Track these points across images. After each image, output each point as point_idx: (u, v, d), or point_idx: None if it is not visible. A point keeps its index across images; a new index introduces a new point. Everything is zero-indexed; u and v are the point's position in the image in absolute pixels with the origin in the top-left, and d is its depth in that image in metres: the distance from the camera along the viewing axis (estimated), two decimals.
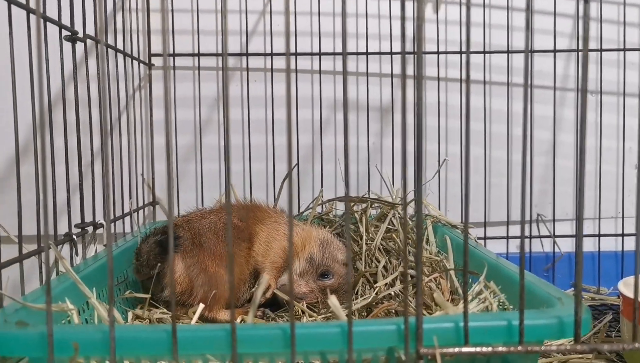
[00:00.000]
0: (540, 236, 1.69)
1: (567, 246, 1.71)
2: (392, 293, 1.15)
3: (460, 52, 1.66)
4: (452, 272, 1.14)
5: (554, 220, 1.68)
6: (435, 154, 1.69)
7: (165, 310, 1.11)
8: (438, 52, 1.65)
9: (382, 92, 1.69)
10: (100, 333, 0.64)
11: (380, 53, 1.66)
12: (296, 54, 1.62)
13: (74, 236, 1.05)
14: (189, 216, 1.26)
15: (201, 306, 0.90)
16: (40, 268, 0.93)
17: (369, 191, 1.56)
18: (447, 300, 1.08)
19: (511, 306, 0.89)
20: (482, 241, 1.64)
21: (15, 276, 0.92)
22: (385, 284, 1.25)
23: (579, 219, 0.71)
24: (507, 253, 1.66)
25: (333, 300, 0.76)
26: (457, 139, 1.70)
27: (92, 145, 1.23)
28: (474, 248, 1.16)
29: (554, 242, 1.65)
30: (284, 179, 1.53)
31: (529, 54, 0.78)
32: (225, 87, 0.64)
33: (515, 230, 1.68)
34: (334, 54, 1.65)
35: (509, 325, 0.67)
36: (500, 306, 0.93)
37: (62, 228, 1.08)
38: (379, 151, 1.70)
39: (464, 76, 0.74)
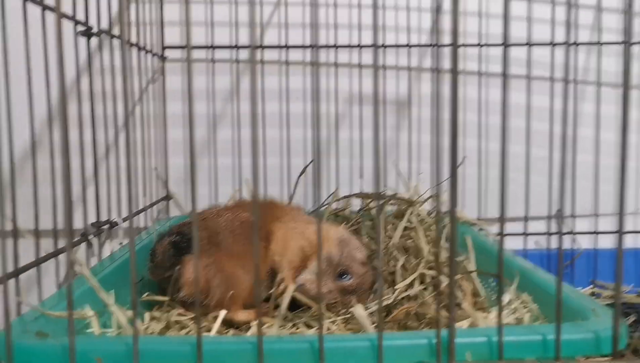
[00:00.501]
0: (559, 233, 1.66)
1: (585, 242, 1.69)
2: (412, 295, 1.13)
3: (479, 45, 1.62)
4: (473, 274, 1.12)
5: (573, 216, 1.64)
6: (448, 147, 1.66)
7: (182, 312, 1.09)
8: (455, 45, 1.61)
9: (399, 85, 1.65)
10: (123, 345, 0.62)
11: (397, 46, 1.63)
12: (312, 46, 1.59)
13: (91, 236, 1.03)
14: (204, 214, 1.24)
15: (221, 315, 0.88)
16: (57, 268, 0.91)
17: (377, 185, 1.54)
18: (469, 303, 1.05)
19: (542, 317, 0.87)
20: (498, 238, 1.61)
21: (29, 273, 0.90)
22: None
23: (621, 215, 0.68)
24: (525, 250, 1.64)
25: (359, 311, 0.74)
26: (473, 134, 1.67)
27: (107, 139, 1.21)
28: (493, 250, 1.13)
29: (574, 239, 1.62)
30: (300, 175, 1.50)
31: (569, 47, 0.75)
32: (253, 82, 0.61)
33: (533, 226, 1.66)
34: (350, 46, 1.62)
35: (544, 340, 0.64)
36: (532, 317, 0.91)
37: (75, 223, 1.05)
38: (394, 146, 1.67)
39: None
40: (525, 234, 1.62)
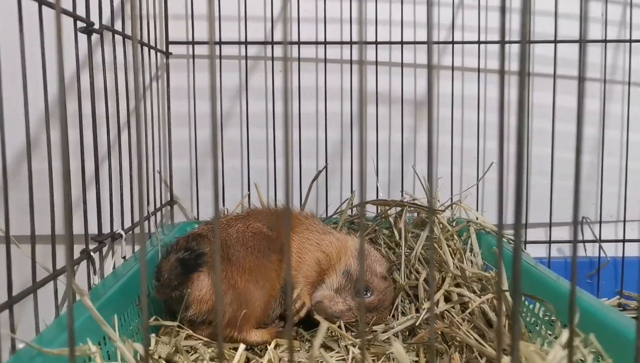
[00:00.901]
0: (584, 241, 1.58)
1: (611, 250, 1.61)
2: (443, 315, 1.05)
3: (502, 42, 1.53)
4: (507, 293, 1.03)
5: (600, 222, 1.56)
6: (470, 150, 1.57)
7: (191, 332, 1.01)
8: (479, 42, 1.52)
9: (417, 84, 1.56)
10: None
11: (415, 43, 1.54)
12: (325, 43, 1.50)
13: (92, 253, 0.94)
14: (214, 224, 1.15)
15: (240, 350, 0.79)
16: (55, 286, 0.83)
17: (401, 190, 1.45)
18: (504, 326, 0.97)
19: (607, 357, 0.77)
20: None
21: (26, 278, 0.81)
22: (426, 299, 1.15)
23: None
24: (549, 258, 1.55)
25: (397, 347, 0.65)
26: (494, 134, 1.58)
27: (109, 140, 1.12)
28: (538, 271, 1.05)
29: (600, 247, 1.54)
30: (313, 180, 1.41)
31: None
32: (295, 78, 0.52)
33: (557, 234, 1.57)
34: (366, 43, 1.52)
35: None
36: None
37: (76, 224, 0.96)
38: (412, 147, 1.58)
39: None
40: (549, 242, 1.54)
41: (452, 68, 1.53)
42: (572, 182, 1.58)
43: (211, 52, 0.51)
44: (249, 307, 1.03)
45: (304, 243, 1.17)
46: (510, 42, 1.53)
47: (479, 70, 1.53)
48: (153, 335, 0.97)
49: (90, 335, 0.73)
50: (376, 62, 1.52)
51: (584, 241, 1.57)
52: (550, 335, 0.91)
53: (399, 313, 1.15)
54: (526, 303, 1.03)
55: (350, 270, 1.13)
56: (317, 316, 1.08)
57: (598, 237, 1.54)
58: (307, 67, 1.52)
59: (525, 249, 1.50)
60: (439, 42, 1.54)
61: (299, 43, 1.49)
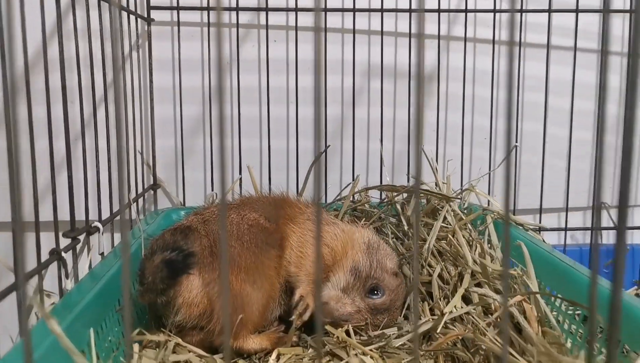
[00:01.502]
0: (600, 228, 1.47)
1: (628, 237, 1.50)
2: (462, 317, 0.93)
3: (520, 11, 1.39)
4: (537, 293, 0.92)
5: (619, 207, 1.45)
6: (481, 129, 1.45)
7: (180, 341, 0.88)
8: (494, 11, 1.38)
9: (426, 56, 1.42)
10: None
11: (424, 10, 1.39)
12: (326, 10, 1.35)
13: (63, 253, 0.81)
14: (204, 214, 1.02)
15: None
16: (19, 304, 0.69)
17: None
18: (536, 333, 0.86)
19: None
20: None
21: None
22: (442, 298, 1.03)
23: None
24: (564, 246, 1.45)
25: None
26: (502, 113, 1.45)
27: (83, 116, 0.98)
28: (565, 264, 0.94)
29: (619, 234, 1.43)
30: (312, 164, 1.27)
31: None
32: None
33: (575, 221, 1.47)
34: (369, 10, 1.38)
35: None
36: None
37: (45, 212, 0.82)
38: (422, 126, 1.45)
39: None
40: (565, 229, 1.43)
41: (465, 39, 1.40)
42: (586, 165, 1.47)
43: (218, 18, 0.37)
44: (246, 311, 0.90)
45: (306, 236, 1.04)
46: (527, 10, 1.40)
47: (493, 41, 1.40)
48: (137, 345, 0.84)
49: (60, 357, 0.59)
50: (382, 32, 1.38)
51: (601, 229, 1.46)
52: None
53: (411, 313, 1.04)
54: (556, 303, 0.92)
55: (359, 266, 1.01)
56: (323, 320, 0.96)
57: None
58: (304, 38, 1.37)
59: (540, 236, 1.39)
60: (449, 10, 1.40)
61: (296, 10, 1.34)
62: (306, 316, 0.96)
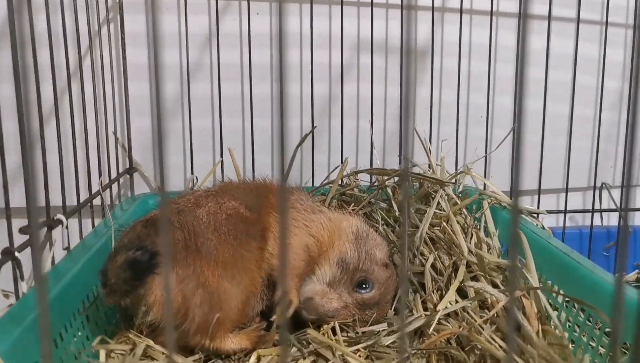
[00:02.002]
0: (601, 210, 1.40)
1: (630, 219, 1.44)
2: (457, 312, 0.87)
3: None
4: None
5: (626, 187, 1.38)
6: (478, 107, 1.37)
7: (151, 343, 0.81)
8: None
9: (418, 30, 1.33)
10: None
11: None
12: None
13: (17, 253, 0.73)
14: (180, 203, 0.94)
15: None
16: None
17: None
18: (536, 333, 0.79)
19: None
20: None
21: None
22: (435, 290, 0.96)
23: None
24: (564, 229, 1.38)
25: None
26: (505, 89, 1.37)
27: (39, 97, 0.89)
28: (565, 255, 0.87)
29: (621, 216, 1.37)
30: (298, 145, 1.19)
31: None
32: None
33: (574, 202, 1.40)
34: None
35: None
36: None
37: None
38: (411, 104, 1.36)
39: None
40: (565, 211, 1.36)
41: (461, 11, 1.31)
42: (587, 143, 1.40)
43: None
44: (224, 309, 0.84)
45: (290, 226, 0.96)
46: None
47: (491, 13, 1.31)
48: (103, 352, 0.77)
49: None
50: (372, 3, 1.28)
51: (601, 211, 1.40)
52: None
53: (403, 307, 0.97)
54: (558, 299, 0.85)
55: (346, 258, 0.93)
56: (308, 316, 0.90)
57: (619, 205, 1.37)
58: (289, 10, 1.27)
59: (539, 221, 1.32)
60: None
61: None
62: (289, 313, 0.89)
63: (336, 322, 0.89)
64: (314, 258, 0.95)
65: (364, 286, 0.92)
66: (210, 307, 0.82)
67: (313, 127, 1.25)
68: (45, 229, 0.83)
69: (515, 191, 0.33)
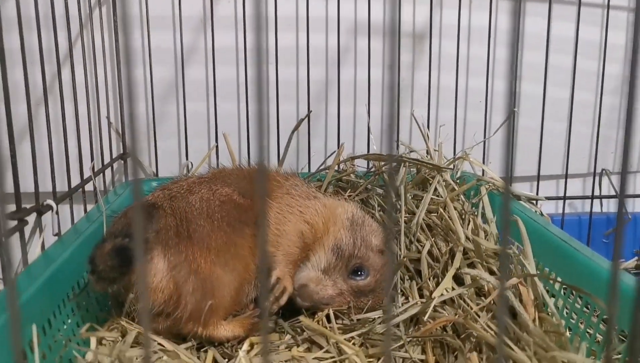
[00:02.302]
0: (600, 196, 1.39)
1: (629, 206, 1.43)
2: (453, 299, 0.85)
3: None
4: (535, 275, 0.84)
5: (623, 172, 1.36)
6: (476, 91, 1.35)
7: (142, 330, 0.80)
8: None
9: (416, 13, 1.31)
10: None
11: None
12: None
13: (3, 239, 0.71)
14: (172, 189, 0.92)
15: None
16: None
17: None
18: (532, 320, 0.78)
19: None
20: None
21: None
22: (431, 277, 0.95)
23: None
24: (563, 215, 1.37)
25: None
26: (504, 74, 1.35)
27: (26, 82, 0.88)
28: (562, 242, 0.85)
29: (621, 203, 1.34)
30: (293, 131, 1.17)
31: None
32: None
33: (573, 188, 1.39)
34: None
35: None
36: None
37: None
38: (409, 89, 1.34)
39: None
40: (564, 198, 1.34)
41: None
42: (587, 128, 1.38)
43: None
44: (216, 296, 0.82)
45: (284, 212, 0.95)
46: None
47: None
48: (94, 339, 0.76)
49: None
50: None
51: (601, 197, 1.38)
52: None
53: (398, 294, 0.96)
54: (555, 287, 0.84)
55: (341, 244, 0.92)
56: (302, 304, 0.89)
57: (619, 191, 1.35)
58: None
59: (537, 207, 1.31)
60: None
61: None
62: (283, 301, 0.88)
63: (331, 310, 0.88)
64: (308, 245, 0.93)
65: (359, 273, 0.91)
66: (202, 294, 0.81)
67: (309, 111, 1.23)
68: (34, 214, 0.82)
69: (507, 171, 0.32)
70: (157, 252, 0.81)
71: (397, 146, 1.28)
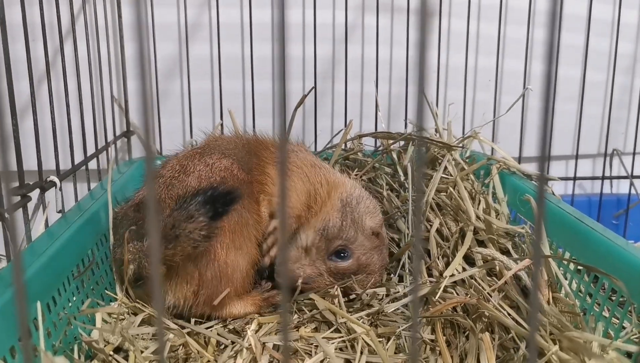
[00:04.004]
0: (611, 177, 1.37)
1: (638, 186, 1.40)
2: (464, 280, 0.84)
3: None
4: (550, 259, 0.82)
5: (634, 154, 1.34)
6: (486, 70, 1.32)
7: (152, 312, 0.78)
8: None
9: None
10: None
11: None
12: None
13: (6, 215, 0.70)
14: (165, 175, 0.86)
15: None
16: None
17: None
18: (547, 301, 0.77)
19: None
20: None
21: None
22: (440, 256, 0.94)
23: None
24: (572, 195, 1.35)
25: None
26: (514, 52, 1.32)
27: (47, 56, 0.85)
28: (581, 223, 0.83)
29: (632, 184, 1.33)
30: (297, 107, 1.15)
31: None
32: None
33: (583, 169, 1.37)
34: None
35: None
36: None
37: None
38: (417, 67, 1.31)
39: None
40: (574, 178, 1.32)
41: None
42: (598, 109, 1.36)
43: None
44: (232, 281, 0.80)
45: (291, 169, 0.92)
46: None
47: None
48: (99, 315, 0.75)
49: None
50: None
51: (611, 178, 1.36)
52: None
53: (406, 274, 0.94)
54: (570, 267, 0.82)
55: (328, 226, 0.89)
56: (279, 280, 0.86)
57: (630, 172, 1.33)
58: None
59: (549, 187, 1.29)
60: None
61: None
62: (273, 252, 0.86)
63: (339, 289, 0.86)
64: (311, 207, 0.91)
65: (341, 255, 0.88)
66: (220, 280, 0.79)
67: (313, 87, 1.20)
68: (37, 191, 0.80)
69: (542, 167, 0.29)
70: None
71: (405, 125, 1.26)
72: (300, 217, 0.90)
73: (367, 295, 0.84)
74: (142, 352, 0.69)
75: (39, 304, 0.63)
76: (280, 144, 0.29)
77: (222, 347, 0.76)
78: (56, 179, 0.83)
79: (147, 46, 0.29)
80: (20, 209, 0.76)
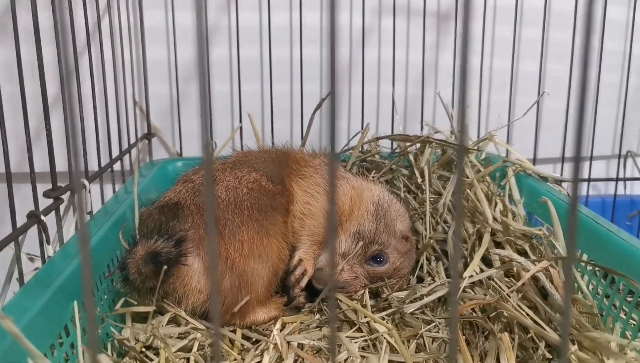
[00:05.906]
0: (625, 179, 1.38)
1: None
2: (482, 281, 0.85)
3: None
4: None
5: None
6: (501, 72, 1.33)
7: (182, 313, 0.79)
8: None
9: None
10: None
11: None
12: None
13: (43, 216, 0.72)
14: (195, 181, 0.89)
15: None
16: None
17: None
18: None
19: None
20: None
21: None
22: (460, 258, 0.95)
23: None
24: (587, 197, 1.36)
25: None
26: (530, 54, 1.33)
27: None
28: (598, 225, 0.85)
29: None
30: (316, 110, 1.17)
31: None
32: None
33: (597, 170, 1.38)
34: None
35: None
36: None
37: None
38: (433, 69, 1.33)
39: None
40: (588, 180, 1.34)
41: None
42: (612, 110, 1.37)
43: None
44: (253, 289, 0.82)
45: (311, 191, 0.95)
46: None
47: None
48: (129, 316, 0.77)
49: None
50: None
51: (625, 179, 1.38)
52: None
53: (425, 275, 0.96)
54: (587, 268, 0.84)
55: (363, 230, 0.91)
56: (316, 286, 0.89)
57: None
58: None
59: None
60: None
61: None
62: (303, 283, 0.88)
63: (366, 291, 0.88)
64: (344, 212, 0.93)
65: (378, 259, 0.91)
66: (239, 289, 0.80)
67: (330, 93, 1.22)
68: (68, 194, 0.83)
69: (575, 174, 0.31)
70: (191, 253, 0.79)
71: (422, 127, 1.28)
72: (322, 242, 0.92)
73: (394, 298, 0.86)
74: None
75: (75, 303, 0.66)
76: (330, 157, 0.31)
77: (246, 347, 0.78)
78: (86, 182, 0.86)
79: (205, 51, 0.31)
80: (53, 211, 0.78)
